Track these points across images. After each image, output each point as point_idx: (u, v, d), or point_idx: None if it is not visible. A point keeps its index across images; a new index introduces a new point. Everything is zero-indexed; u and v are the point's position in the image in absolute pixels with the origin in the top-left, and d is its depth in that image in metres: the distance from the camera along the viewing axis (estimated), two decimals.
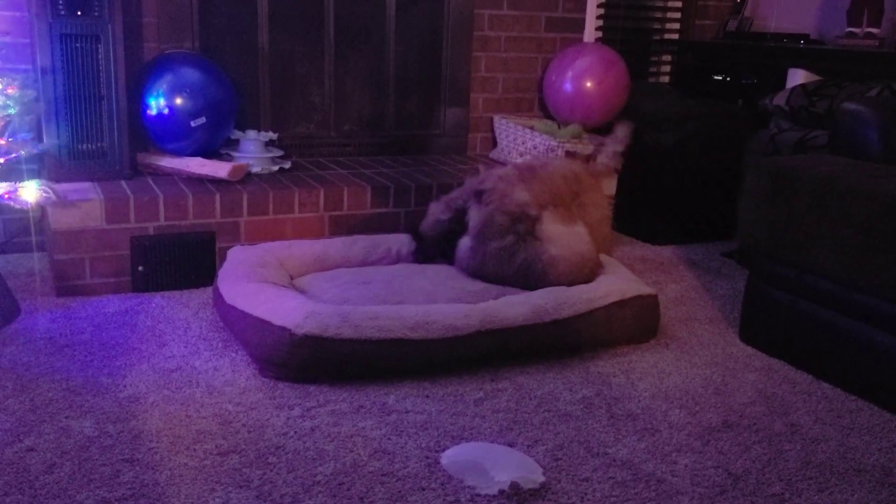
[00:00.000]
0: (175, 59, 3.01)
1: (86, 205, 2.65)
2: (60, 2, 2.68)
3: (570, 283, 2.54)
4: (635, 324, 2.50)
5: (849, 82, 3.26)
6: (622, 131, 3.16)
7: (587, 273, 2.60)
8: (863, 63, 3.60)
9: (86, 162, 2.85)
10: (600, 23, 4.18)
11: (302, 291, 2.51)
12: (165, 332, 2.43)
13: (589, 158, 3.11)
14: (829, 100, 3.18)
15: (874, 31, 3.81)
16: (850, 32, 3.88)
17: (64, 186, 2.74)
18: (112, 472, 1.71)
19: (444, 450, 1.85)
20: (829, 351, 2.31)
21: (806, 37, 4.12)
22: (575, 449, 1.90)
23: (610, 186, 3.53)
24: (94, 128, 2.83)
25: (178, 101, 2.94)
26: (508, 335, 2.29)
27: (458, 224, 2.72)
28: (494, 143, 3.80)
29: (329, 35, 3.49)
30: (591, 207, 2.82)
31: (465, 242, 2.65)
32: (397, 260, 2.84)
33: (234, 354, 2.30)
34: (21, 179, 2.59)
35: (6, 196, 2.51)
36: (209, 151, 3.10)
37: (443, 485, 1.72)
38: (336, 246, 2.81)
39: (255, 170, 3.15)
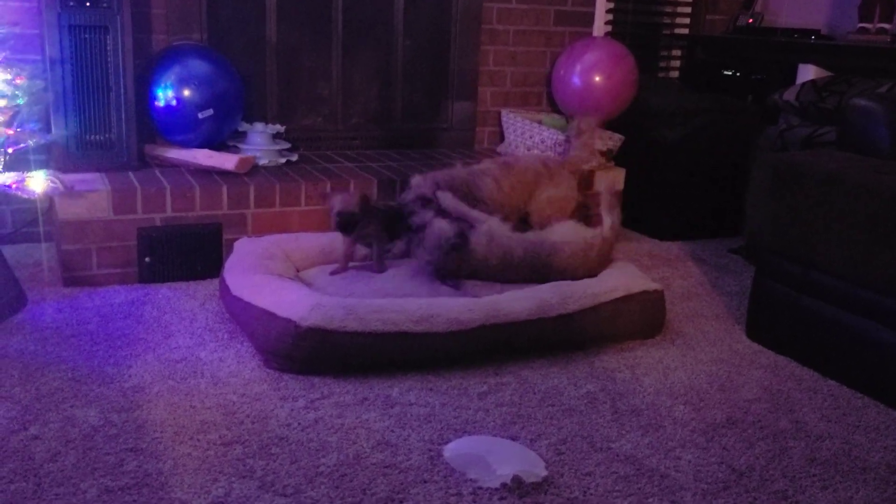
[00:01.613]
0: (183, 51, 3.02)
1: (93, 195, 2.65)
2: None
3: (577, 268, 2.56)
4: (641, 319, 2.50)
5: (859, 78, 3.24)
6: (584, 122, 3.11)
7: (595, 257, 2.61)
8: (874, 59, 3.57)
9: (93, 152, 2.86)
10: (610, 17, 4.16)
11: (308, 284, 2.51)
12: (171, 323, 2.44)
13: (565, 155, 3.07)
14: (838, 96, 3.16)
15: (886, 26, 3.78)
16: (862, 28, 3.86)
17: (71, 177, 2.75)
18: (116, 461, 1.72)
19: (446, 443, 1.85)
20: (835, 348, 2.29)
21: (817, 32, 4.09)
22: (578, 443, 1.90)
23: (618, 180, 3.52)
24: (101, 119, 2.83)
25: (186, 92, 2.94)
26: (513, 329, 2.28)
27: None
28: (502, 138, 3.79)
29: (337, 28, 3.49)
30: (553, 202, 2.82)
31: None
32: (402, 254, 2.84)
33: (239, 346, 2.31)
34: (29, 169, 2.60)
35: (14, 186, 2.52)
36: (216, 143, 3.11)
37: (445, 477, 1.73)
38: (342, 239, 2.81)
39: (263, 162, 3.15)
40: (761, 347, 2.52)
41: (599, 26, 3.90)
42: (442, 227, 2.55)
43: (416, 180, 2.77)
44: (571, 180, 2.97)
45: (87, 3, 2.72)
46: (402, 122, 3.71)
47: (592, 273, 2.59)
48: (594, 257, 2.61)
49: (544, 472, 1.73)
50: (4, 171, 2.53)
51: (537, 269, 2.57)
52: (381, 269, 2.63)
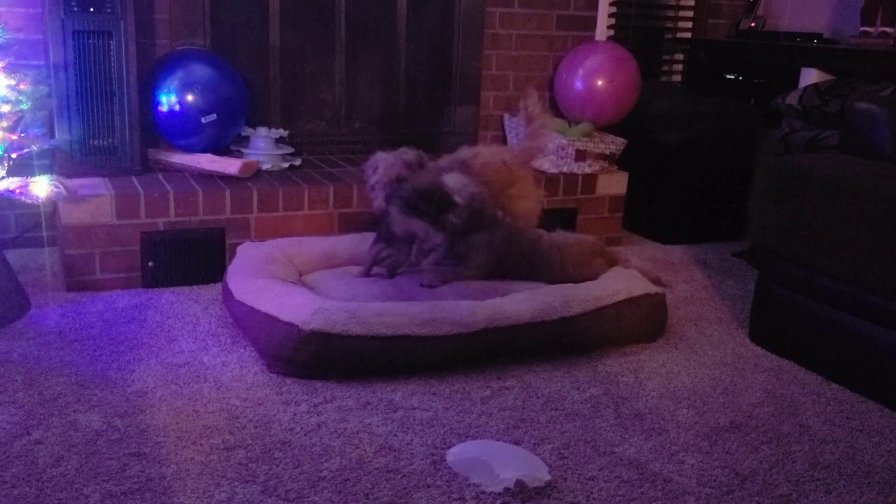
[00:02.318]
0: (186, 56, 3.02)
1: (96, 200, 2.66)
2: None
3: (573, 264, 2.60)
4: (643, 322, 2.50)
5: (862, 82, 3.24)
6: (532, 107, 2.91)
7: (588, 255, 2.65)
8: (876, 62, 3.57)
9: (97, 158, 2.86)
10: (612, 21, 4.16)
11: (311, 288, 2.51)
12: (174, 328, 2.44)
13: (519, 146, 2.96)
14: (841, 99, 3.16)
15: (888, 30, 3.78)
16: (864, 32, 3.85)
17: (75, 182, 2.76)
18: (119, 465, 1.72)
19: (449, 447, 1.85)
20: (839, 352, 2.29)
21: (819, 36, 4.09)
22: (581, 448, 1.90)
23: (621, 184, 3.52)
24: (105, 124, 2.84)
25: (189, 97, 2.95)
26: (516, 332, 2.28)
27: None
28: (505, 142, 3.79)
29: (340, 33, 3.50)
30: (520, 199, 2.77)
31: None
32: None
33: (242, 350, 2.31)
34: (33, 174, 2.61)
35: (18, 191, 2.53)
36: (220, 148, 3.11)
37: (448, 482, 1.72)
38: (345, 243, 2.82)
39: (266, 167, 3.16)
40: (764, 351, 2.52)
41: (602, 30, 3.91)
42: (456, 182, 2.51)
43: (381, 159, 2.67)
44: (530, 177, 2.86)
45: (91, 9, 2.73)
46: (405, 126, 3.71)
47: (586, 272, 2.59)
48: (587, 255, 2.62)
49: (547, 477, 1.73)
50: (8, 176, 2.54)
51: (539, 263, 2.57)
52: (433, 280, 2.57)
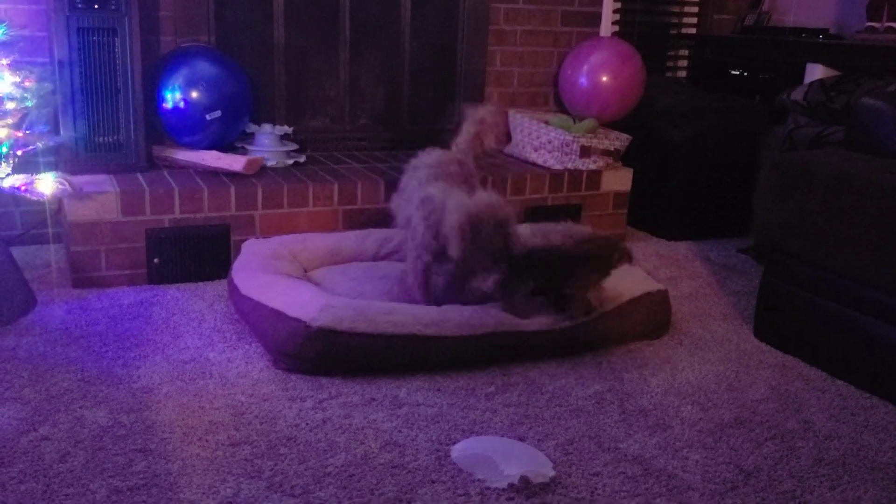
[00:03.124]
0: (191, 53, 3.02)
1: (102, 197, 2.67)
2: None
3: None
4: (647, 320, 2.50)
5: (867, 77, 3.23)
6: (489, 113, 2.82)
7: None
8: (882, 58, 3.56)
9: (102, 154, 2.87)
10: (617, 17, 4.16)
11: (315, 284, 2.51)
12: (180, 324, 2.45)
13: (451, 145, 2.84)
14: (847, 95, 3.15)
15: (894, 25, 3.77)
16: (870, 27, 3.84)
17: (80, 179, 2.77)
18: (125, 461, 1.73)
19: (454, 443, 1.86)
20: (843, 348, 2.29)
21: (825, 31, 4.08)
22: (586, 444, 1.90)
23: (626, 180, 3.52)
24: (110, 120, 2.84)
25: (194, 94, 2.95)
26: (521, 337, 2.28)
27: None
28: (509, 138, 3.79)
29: (344, 29, 3.50)
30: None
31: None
32: None
33: (247, 346, 2.32)
34: (38, 171, 2.61)
35: (23, 188, 2.54)
36: (224, 145, 3.12)
37: (452, 478, 1.73)
38: (349, 239, 2.82)
39: (270, 163, 3.16)
40: (769, 347, 2.52)
41: (606, 26, 3.90)
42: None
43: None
44: (475, 175, 2.75)
45: (96, 6, 2.73)
46: (410, 123, 3.72)
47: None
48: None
49: (552, 473, 1.73)
50: (13, 174, 2.54)
51: None
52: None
